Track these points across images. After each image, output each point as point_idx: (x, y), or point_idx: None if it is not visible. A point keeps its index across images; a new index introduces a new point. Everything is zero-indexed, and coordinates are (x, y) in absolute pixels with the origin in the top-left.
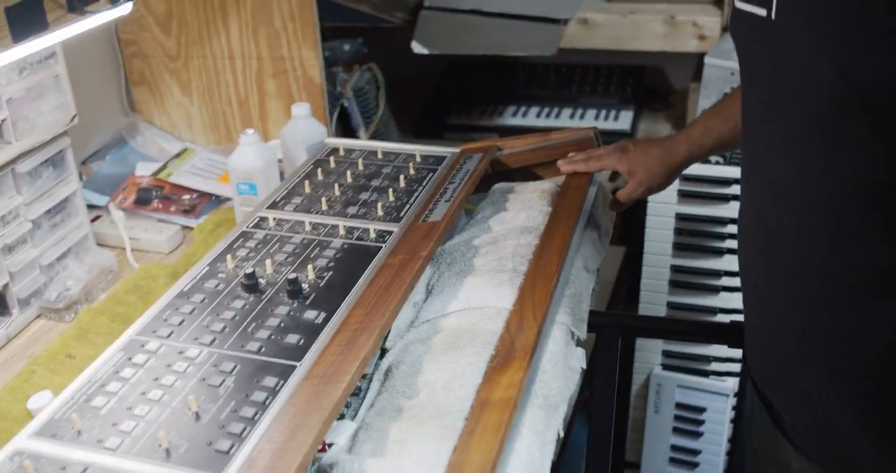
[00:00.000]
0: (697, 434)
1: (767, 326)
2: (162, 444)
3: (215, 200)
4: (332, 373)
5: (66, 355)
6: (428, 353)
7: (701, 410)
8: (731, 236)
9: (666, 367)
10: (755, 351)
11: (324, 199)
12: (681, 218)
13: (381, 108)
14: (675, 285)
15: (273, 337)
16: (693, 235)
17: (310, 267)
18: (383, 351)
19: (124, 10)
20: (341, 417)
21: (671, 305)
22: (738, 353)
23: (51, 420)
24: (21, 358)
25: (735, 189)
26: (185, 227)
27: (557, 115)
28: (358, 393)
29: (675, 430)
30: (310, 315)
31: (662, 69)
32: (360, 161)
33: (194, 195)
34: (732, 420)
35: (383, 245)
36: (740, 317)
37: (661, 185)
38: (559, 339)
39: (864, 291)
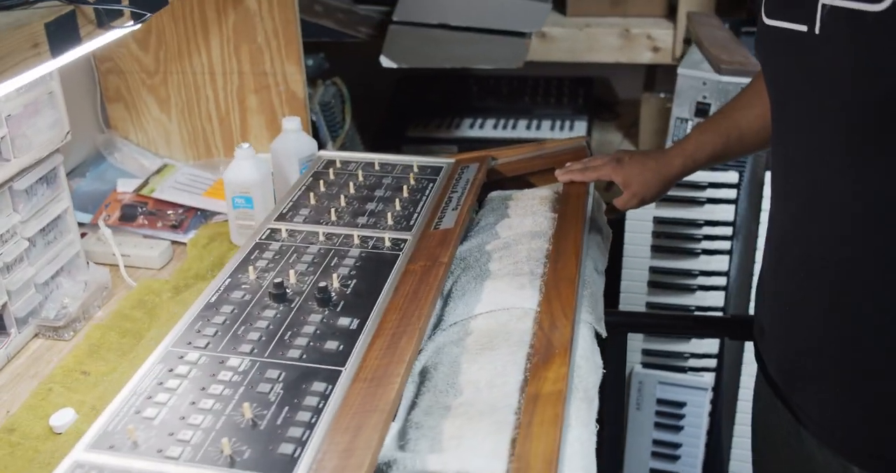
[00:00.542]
0: (678, 429)
1: (801, 333)
2: (225, 451)
3: (201, 215)
4: (381, 376)
5: (80, 372)
6: (464, 354)
7: (681, 405)
8: (707, 237)
9: (646, 365)
10: (780, 356)
11: (332, 210)
12: (658, 221)
13: (348, 122)
14: (653, 285)
15: (311, 343)
16: (670, 237)
17: (334, 275)
18: None
19: (144, 21)
20: None
21: (650, 305)
22: (714, 348)
23: (104, 433)
24: (24, 377)
25: (710, 192)
26: (174, 243)
27: (514, 127)
28: None
29: (657, 425)
30: (343, 321)
31: (609, 81)
32: (359, 172)
33: (180, 210)
34: (710, 414)
35: (400, 252)
36: (716, 315)
37: (655, 197)
38: (586, 336)
39: None
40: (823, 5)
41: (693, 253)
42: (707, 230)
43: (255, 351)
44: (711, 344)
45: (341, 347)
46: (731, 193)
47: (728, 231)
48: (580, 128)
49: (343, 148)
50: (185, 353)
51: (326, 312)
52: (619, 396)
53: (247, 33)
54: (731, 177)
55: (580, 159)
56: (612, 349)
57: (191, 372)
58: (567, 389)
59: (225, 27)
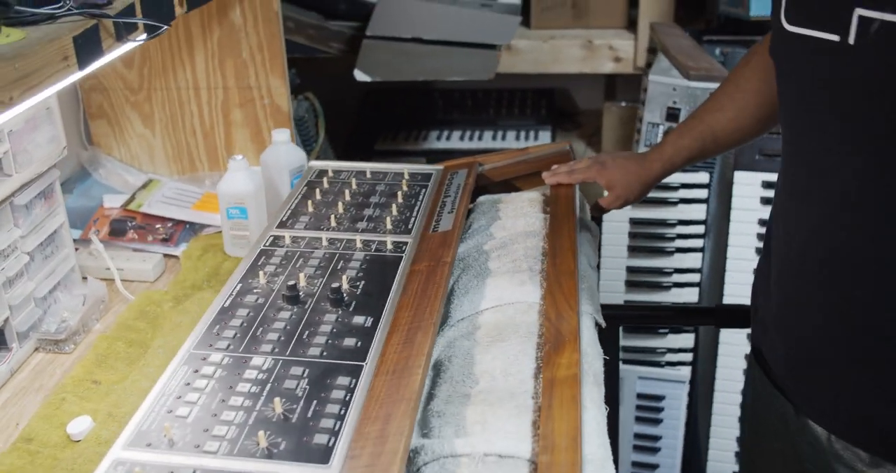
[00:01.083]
0: (658, 421)
1: (820, 331)
2: (261, 443)
3: (190, 228)
4: (402, 368)
5: (91, 381)
6: (476, 346)
7: (660, 398)
8: (680, 236)
9: (625, 361)
10: (791, 353)
11: (332, 216)
12: (634, 222)
13: (322, 136)
14: (630, 284)
15: (330, 341)
16: (645, 238)
17: (343, 277)
18: None
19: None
20: None
21: (628, 303)
22: (689, 343)
23: (139, 432)
24: (29, 390)
25: (682, 193)
26: (166, 256)
27: (480, 138)
28: None
29: (637, 419)
30: (358, 320)
31: (569, 92)
32: (352, 180)
33: (168, 224)
34: (688, 406)
35: (403, 254)
36: (706, 306)
37: (637, 198)
38: (589, 326)
39: None
40: (862, 17)
41: (667, 252)
42: (680, 229)
43: (277, 350)
44: (687, 339)
45: (359, 344)
46: (702, 193)
47: (700, 229)
48: (544, 137)
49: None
50: (208, 355)
51: (340, 312)
52: (615, 384)
53: (231, 48)
54: (702, 177)
55: (563, 163)
56: (606, 340)
57: (216, 372)
58: (580, 373)
59: (210, 42)
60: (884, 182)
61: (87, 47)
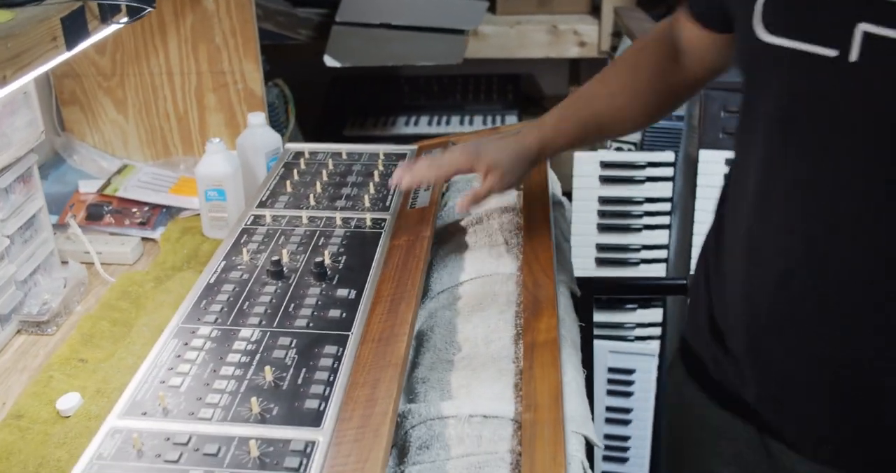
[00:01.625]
0: (629, 394)
1: (806, 358)
2: (254, 409)
3: (166, 212)
4: (387, 336)
5: (77, 360)
6: (458, 316)
7: (630, 371)
8: (647, 214)
9: (597, 337)
10: (769, 378)
11: (310, 195)
12: (602, 200)
13: (292, 122)
14: (600, 262)
15: (315, 313)
16: (614, 216)
17: (325, 252)
18: None
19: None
20: None
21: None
22: (658, 318)
23: (133, 402)
24: (14, 371)
25: (649, 171)
26: (143, 239)
27: (448, 122)
28: None
29: (609, 392)
30: (341, 292)
31: (535, 77)
32: (329, 161)
33: (145, 208)
34: (657, 379)
35: (382, 230)
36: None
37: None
38: (564, 295)
39: None
40: (867, 33)
41: (635, 229)
42: (647, 206)
43: (264, 322)
44: (656, 314)
45: (344, 315)
46: (668, 171)
47: (667, 206)
48: (511, 122)
49: None
50: (197, 328)
51: (324, 285)
52: (590, 350)
53: (204, 33)
54: (668, 156)
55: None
56: (581, 309)
57: (206, 344)
58: (558, 338)
59: (182, 28)
60: (886, 204)
61: (74, 28)
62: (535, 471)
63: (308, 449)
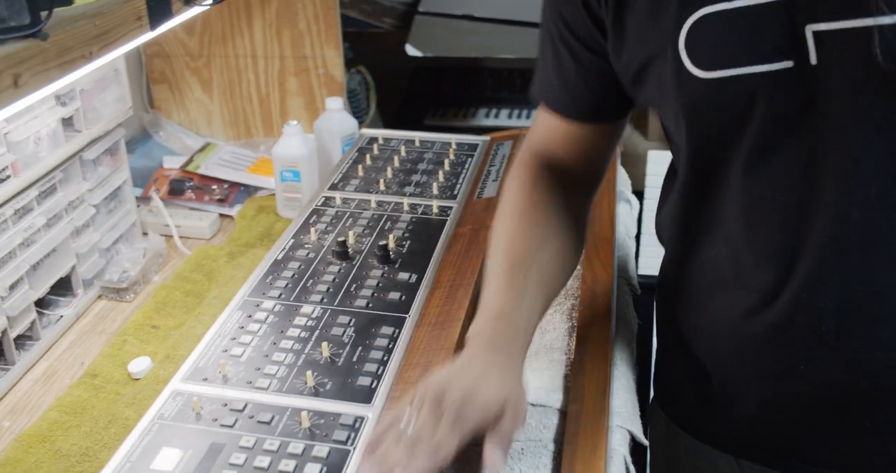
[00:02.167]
0: None
1: (764, 400)
2: (309, 383)
3: (244, 190)
4: (443, 321)
5: (150, 326)
6: None
7: None
8: None
9: None
10: (732, 423)
11: (381, 180)
12: None
13: (373, 109)
14: None
15: (376, 294)
16: None
17: (391, 236)
18: None
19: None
20: None
21: None
22: None
23: (196, 368)
24: (93, 333)
25: None
26: (221, 215)
27: (528, 116)
28: None
29: None
30: (403, 276)
31: None
32: (402, 148)
33: (224, 185)
34: None
35: (447, 218)
36: None
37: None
38: (624, 291)
39: None
40: (817, 33)
41: None
42: None
43: (325, 300)
44: None
45: (403, 297)
46: None
47: None
48: None
49: None
50: (261, 302)
51: (386, 268)
52: (648, 349)
53: (289, 19)
54: None
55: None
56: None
57: (268, 318)
58: (611, 331)
59: (268, 13)
60: (883, 217)
61: (158, 9)
62: (574, 462)
63: (356, 424)
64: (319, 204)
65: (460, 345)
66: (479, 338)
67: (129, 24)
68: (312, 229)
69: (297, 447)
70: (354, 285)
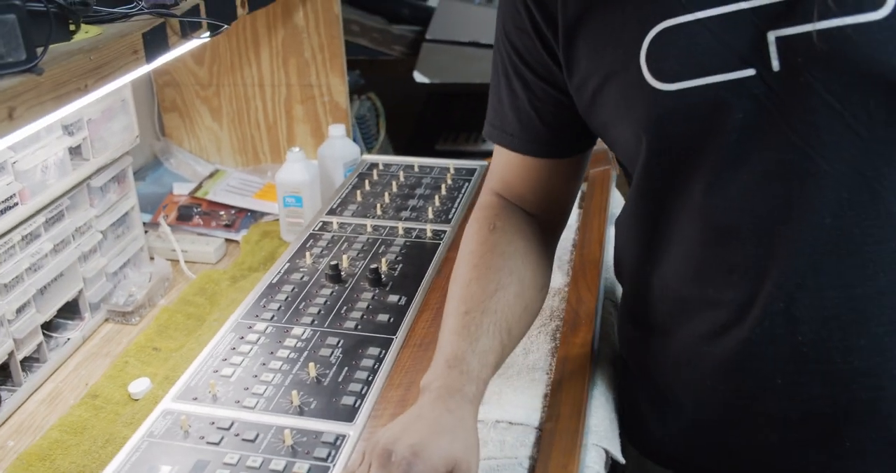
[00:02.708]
0: None
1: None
2: (294, 402)
3: (251, 216)
4: (429, 342)
5: (152, 348)
6: None
7: None
8: None
9: None
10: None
11: (378, 205)
12: None
13: (382, 135)
14: None
15: (365, 316)
16: None
17: (383, 260)
18: None
19: (219, 33)
20: None
21: None
22: None
23: (187, 388)
24: (98, 355)
25: None
26: (227, 240)
27: None
28: None
29: None
30: (392, 298)
31: None
32: (400, 173)
33: (232, 211)
34: None
35: (440, 242)
36: None
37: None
38: (609, 311)
39: None
40: (780, 38)
41: None
42: None
43: (316, 322)
44: None
45: (391, 319)
46: None
47: None
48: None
49: None
50: (254, 324)
51: (377, 291)
52: None
53: (294, 48)
54: None
55: (602, 162)
56: None
57: (259, 339)
58: (592, 352)
59: (274, 42)
60: (855, 221)
61: (154, 43)
62: None
63: (338, 442)
64: (317, 228)
65: None
66: (430, 387)
67: (125, 57)
68: (308, 253)
69: (278, 463)
70: (345, 307)
